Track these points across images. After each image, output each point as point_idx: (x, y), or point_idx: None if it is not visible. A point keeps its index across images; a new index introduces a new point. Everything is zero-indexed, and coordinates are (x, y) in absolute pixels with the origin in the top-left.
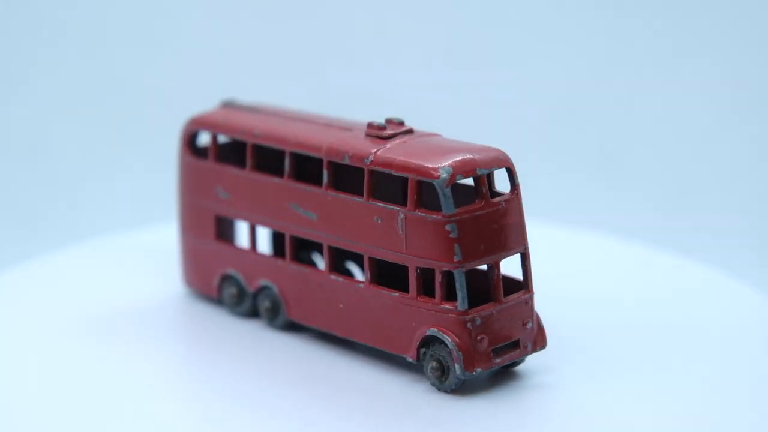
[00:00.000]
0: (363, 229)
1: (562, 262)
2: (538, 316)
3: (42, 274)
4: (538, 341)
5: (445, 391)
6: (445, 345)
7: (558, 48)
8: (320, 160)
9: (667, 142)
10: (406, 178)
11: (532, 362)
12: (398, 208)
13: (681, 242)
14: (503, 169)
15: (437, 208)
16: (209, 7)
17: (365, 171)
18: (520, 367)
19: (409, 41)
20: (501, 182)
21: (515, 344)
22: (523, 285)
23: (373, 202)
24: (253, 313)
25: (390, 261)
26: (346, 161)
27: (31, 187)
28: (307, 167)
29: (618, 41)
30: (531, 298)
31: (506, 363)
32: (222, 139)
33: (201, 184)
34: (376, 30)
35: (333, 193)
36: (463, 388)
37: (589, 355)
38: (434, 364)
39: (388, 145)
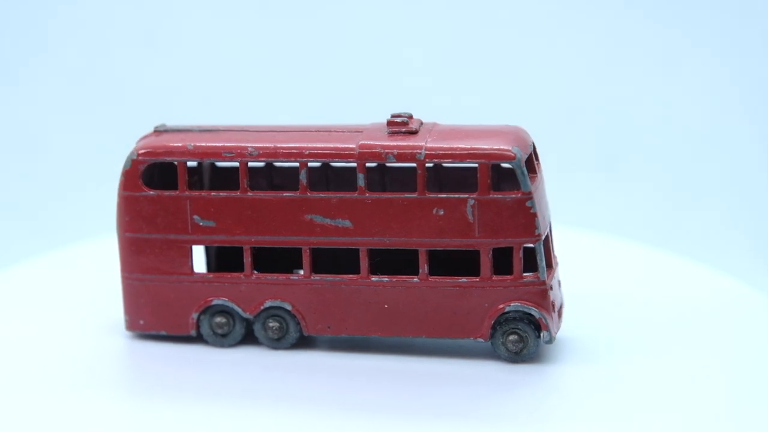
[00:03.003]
0: (417, 224)
1: (561, 261)
2: None
3: None
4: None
5: (523, 361)
6: (530, 315)
7: (558, 47)
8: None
9: (667, 142)
10: (456, 166)
11: None
12: (467, 195)
13: (681, 242)
14: None
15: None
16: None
17: (418, 165)
18: None
19: (406, 39)
20: None
21: (560, 305)
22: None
23: (432, 195)
24: (242, 341)
25: (455, 249)
26: (391, 160)
27: None
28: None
29: (620, 41)
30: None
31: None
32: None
33: (165, 217)
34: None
35: (374, 195)
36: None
37: (587, 353)
38: (514, 337)
39: (429, 138)
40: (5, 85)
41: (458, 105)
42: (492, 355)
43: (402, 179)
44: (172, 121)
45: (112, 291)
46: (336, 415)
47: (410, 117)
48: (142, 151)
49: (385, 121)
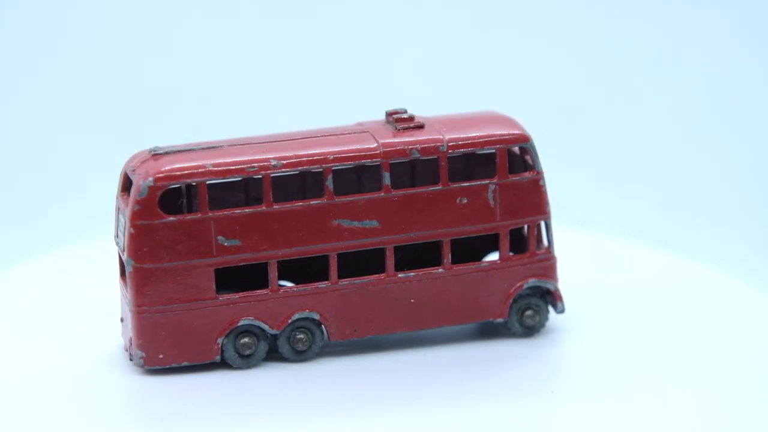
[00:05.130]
0: (442, 216)
1: (559, 261)
2: None
3: None
4: None
5: (536, 334)
6: (546, 289)
7: (558, 46)
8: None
9: (668, 141)
10: (475, 153)
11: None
12: (487, 181)
13: (681, 242)
14: None
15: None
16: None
17: (441, 158)
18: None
19: (405, 36)
20: None
21: None
22: None
23: (456, 185)
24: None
25: (476, 235)
26: (416, 156)
27: None
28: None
29: (621, 40)
30: None
31: None
32: None
33: (188, 242)
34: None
35: (401, 192)
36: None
37: (584, 351)
38: (530, 312)
39: (442, 130)
40: (5, 86)
41: (457, 105)
42: (488, 333)
43: (379, 177)
44: (154, 124)
45: (112, 294)
46: (371, 413)
47: (403, 112)
48: (160, 176)
49: (382, 118)
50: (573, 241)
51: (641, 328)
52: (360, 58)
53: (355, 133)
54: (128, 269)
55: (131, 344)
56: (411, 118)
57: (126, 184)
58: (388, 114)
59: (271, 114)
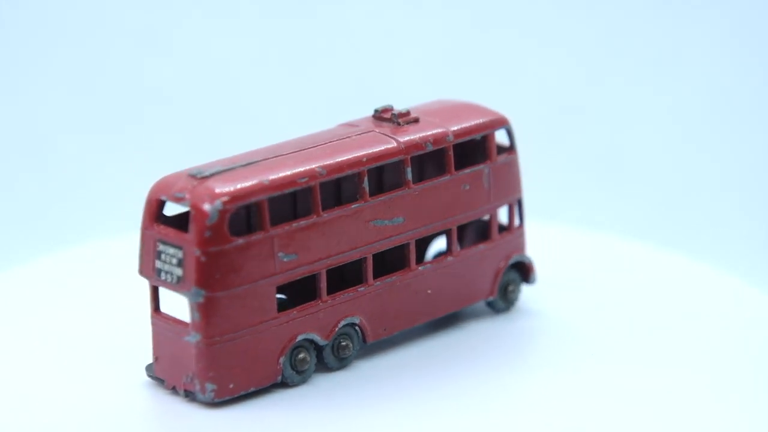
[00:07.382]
0: (450, 204)
1: (560, 260)
2: None
3: None
4: None
5: (512, 307)
6: (522, 263)
7: (559, 47)
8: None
9: (668, 140)
10: (469, 139)
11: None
12: (482, 165)
13: (681, 241)
14: None
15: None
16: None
17: (447, 148)
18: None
19: (405, 37)
20: None
21: None
22: None
23: (461, 172)
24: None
25: (474, 220)
26: (429, 148)
27: None
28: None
29: (621, 39)
30: None
31: None
32: None
33: (253, 263)
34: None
35: (420, 186)
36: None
37: (583, 349)
38: (511, 287)
39: (437, 121)
40: (5, 86)
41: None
42: (466, 316)
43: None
44: (154, 124)
45: (112, 294)
46: (436, 404)
47: (391, 109)
48: (226, 198)
49: (365, 116)
50: (573, 241)
51: (642, 327)
52: (357, 58)
53: (364, 133)
54: (196, 300)
55: (191, 380)
56: (408, 113)
57: (158, 213)
58: (383, 111)
59: (267, 113)
